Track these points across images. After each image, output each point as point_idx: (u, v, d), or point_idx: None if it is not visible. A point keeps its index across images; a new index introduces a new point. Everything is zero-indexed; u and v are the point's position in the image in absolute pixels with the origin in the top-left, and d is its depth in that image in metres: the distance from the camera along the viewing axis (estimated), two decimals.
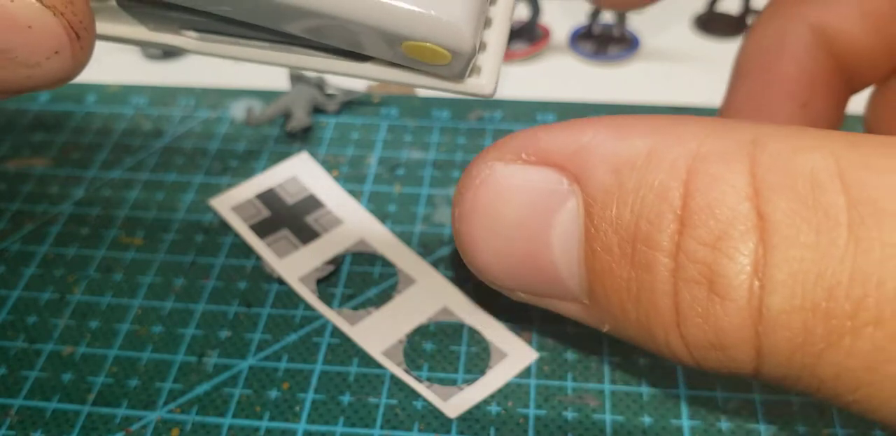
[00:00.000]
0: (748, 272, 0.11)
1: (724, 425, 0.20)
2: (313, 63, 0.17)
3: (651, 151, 0.12)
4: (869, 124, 0.23)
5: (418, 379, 0.21)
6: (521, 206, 0.14)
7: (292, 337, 0.23)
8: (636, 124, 0.13)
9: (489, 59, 0.17)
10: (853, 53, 0.21)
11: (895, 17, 0.21)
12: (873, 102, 0.23)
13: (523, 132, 0.14)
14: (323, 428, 0.21)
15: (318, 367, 0.22)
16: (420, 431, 0.20)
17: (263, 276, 0.24)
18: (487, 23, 0.16)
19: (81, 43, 0.16)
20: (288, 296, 0.24)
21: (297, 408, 0.21)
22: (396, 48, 0.16)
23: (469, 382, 0.21)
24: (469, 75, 0.16)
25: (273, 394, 0.21)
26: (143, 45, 0.17)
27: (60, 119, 0.31)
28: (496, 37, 0.17)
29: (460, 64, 0.16)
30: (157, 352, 0.23)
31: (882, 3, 0.21)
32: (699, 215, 0.11)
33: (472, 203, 0.14)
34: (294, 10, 0.15)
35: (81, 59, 0.17)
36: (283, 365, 0.22)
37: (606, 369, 0.22)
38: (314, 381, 0.22)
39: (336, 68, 0.17)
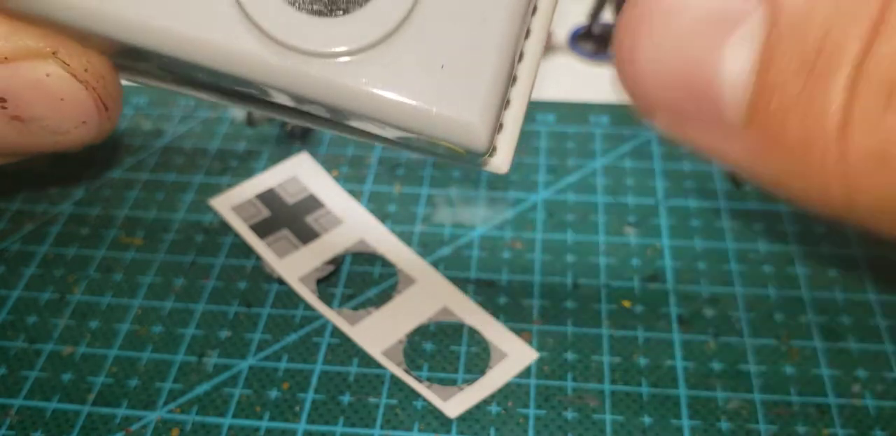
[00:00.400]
0: None
1: (724, 425, 0.20)
2: (327, 128, 0.17)
3: None
4: None
5: (418, 379, 0.21)
6: (703, 9, 0.13)
7: (292, 337, 0.23)
8: None
9: (506, 140, 0.17)
10: None
11: None
12: None
13: None
14: (323, 428, 0.21)
15: (318, 367, 0.22)
16: (420, 431, 0.20)
17: (263, 276, 0.24)
18: (506, 104, 0.16)
19: (109, 114, 0.17)
20: (288, 296, 0.24)
21: (297, 408, 0.21)
22: (415, 139, 0.16)
23: (469, 382, 0.21)
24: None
25: (273, 394, 0.21)
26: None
27: None
28: (514, 117, 0.17)
29: (476, 157, 0.16)
30: (157, 352, 0.23)
31: None
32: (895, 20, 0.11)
33: (645, 12, 0.14)
34: (314, 104, 0.15)
35: (107, 127, 0.17)
36: (283, 365, 0.22)
37: (606, 369, 0.22)
38: (314, 381, 0.22)
39: (354, 137, 0.17)
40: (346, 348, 0.22)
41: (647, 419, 0.21)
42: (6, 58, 0.15)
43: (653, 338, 0.22)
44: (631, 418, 0.21)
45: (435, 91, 0.15)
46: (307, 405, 0.21)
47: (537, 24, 0.17)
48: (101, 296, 0.24)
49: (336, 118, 0.16)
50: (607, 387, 0.21)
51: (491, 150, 0.16)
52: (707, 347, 0.22)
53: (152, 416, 0.21)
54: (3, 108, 0.16)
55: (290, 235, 0.25)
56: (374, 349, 0.22)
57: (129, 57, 0.16)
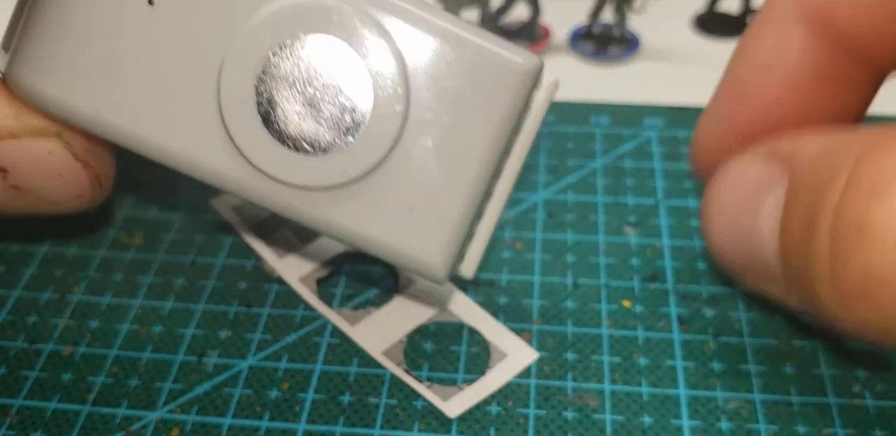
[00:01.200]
0: None
1: (724, 425, 0.20)
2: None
3: (839, 142, 0.14)
4: None
5: (418, 379, 0.21)
6: (745, 189, 0.16)
7: (292, 337, 0.23)
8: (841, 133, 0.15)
9: (474, 248, 0.18)
10: (862, 36, 0.20)
11: None
12: None
13: (788, 134, 0.17)
14: (323, 428, 0.21)
15: (318, 367, 0.22)
16: (420, 431, 0.20)
17: (263, 276, 0.24)
18: (477, 216, 0.17)
19: (102, 189, 0.18)
20: (288, 296, 0.24)
21: (297, 408, 0.21)
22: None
23: (469, 382, 0.21)
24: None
25: (273, 394, 0.21)
26: None
27: None
28: (484, 229, 0.18)
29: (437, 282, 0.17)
30: (157, 352, 0.23)
31: None
32: (865, 171, 0.13)
33: (712, 192, 0.17)
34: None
35: (98, 200, 0.19)
36: (283, 365, 0.22)
37: (606, 369, 0.22)
38: (314, 381, 0.22)
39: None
40: (346, 348, 0.22)
41: (647, 419, 0.21)
42: (13, 134, 0.16)
43: (653, 338, 0.22)
44: (631, 418, 0.21)
45: (401, 231, 0.16)
46: (307, 405, 0.21)
47: (508, 167, 0.18)
48: (101, 296, 0.24)
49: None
50: (607, 387, 0.21)
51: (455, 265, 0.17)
52: (707, 347, 0.22)
53: (152, 416, 0.21)
54: (4, 177, 0.17)
55: (290, 235, 0.25)
56: (374, 349, 0.22)
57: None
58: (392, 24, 0.15)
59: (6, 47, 0.17)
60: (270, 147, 0.15)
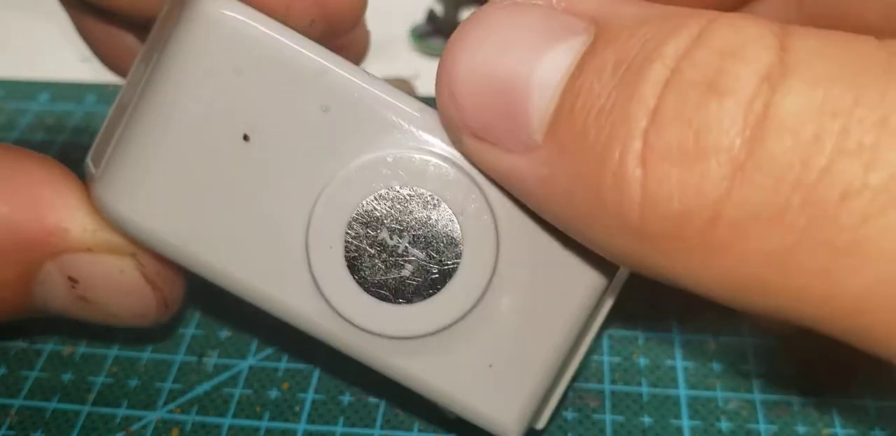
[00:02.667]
0: (760, 75, 0.10)
1: (724, 425, 0.20)
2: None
3: (681, 11, 0.12)
4: None
5: None
6: (529, 26, 0.12)
7: (294, 336, 0.23)
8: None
9: (550, 402, 0.18)
10: None
11: None
12: None
13: None
14: (323, 428, 0.21)
15: (318, 367, 0.22)
16: (420, 431, 0.20)
17: None
18: (558, 376, 0.17)
19: (168, 311, 0.18)
20: None
21: (297, 408, 0.21)
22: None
23: None
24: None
25: (273, 394, 0.21)
26: None
27: (60, 119, 0.31)
28: (562, 383, 0.18)
29: None
30: (157, 352, 0.23)
31: None
32: (721, 32, 0.11)
33: (477, 19, 0.13)
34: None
35: (162, 320, 0.18)
36: (283, 365, 0.22)
37: (606, 369, 0.22)
38: (314, 381, 0.22)
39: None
40: None
41: (647, 419, 0.21)
42: (89, 249, 0.16)
43: (653, 338, 0.22)
44: (631, 418, 0.21)
45: (478, 388, 0.16)
46: (307, 405, 0.21)
47: (592, 326, 0.18)
48: None
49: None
50: (607, 387, 0.21)
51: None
52: (707, 347, 0.22)
53: (152, 416, 0.21)
54: (74, 287, 0.17)
55: None
56: None
57: None
58: (486, 181, 0.15)
59: (95, 162, 0.17)
60: (354, 294, 0.15)
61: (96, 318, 0.18)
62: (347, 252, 0.15)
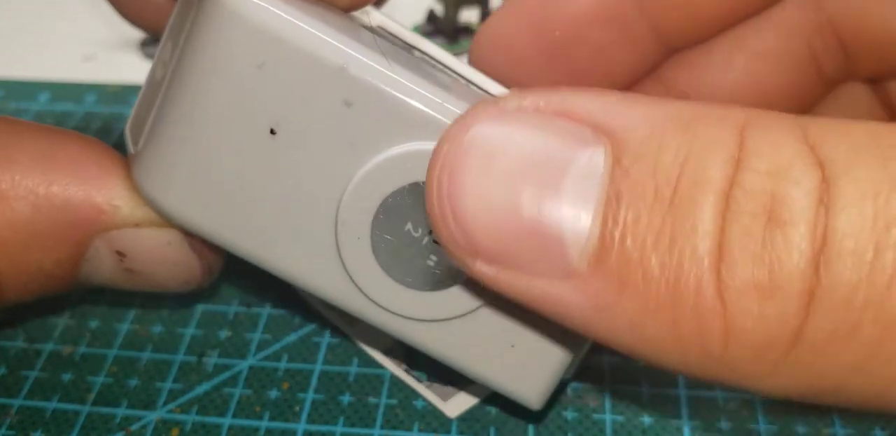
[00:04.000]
0: (815, 197, 0.10)
1: (724, 425, 0.20)
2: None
3: (696, 113, 0.11)
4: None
5: (418, 379, 0.21)
6: (532, 146, 0.11)
7: (292, 337, 0.23)
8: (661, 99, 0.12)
9: (572, 365, 0.18)
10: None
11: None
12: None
13: (540, 89, 0.12)
14: (323, 428, 0.21)
15: (318, 367, 0.22)
16: (420, 431, 0.20)
17: (263, 276, 0.24)
18: (579, 353, 0.18)
19: (210, 277, 0.19)
20: (288, 296, 0.24)
21: (297, 408, 0.21)
22: None
23: (469, 382, 0.21)
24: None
25: (273, 394, 0.21)
26: None
27: (60, 119, 0.31)
28: (582, 353, 0.18)
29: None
30: (157, 352, 0.23)
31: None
32: (758, 152, 0.11)
33: (471, 139, 0.12)
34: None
35: (204, 285, 0.19)
36: (283, 365, 0.22)
37: (607, 370, 0.22)
38: (314, 381, 0.22)
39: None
40: (346, 348, 0.22)
41: (647, 419, 0.21)
42: (137, 224, 0.17)
43: None
44: (631, 418, 0.21)
45: (502, 365, 0.17)
46: (307, 405, 0.21)
47: None
48: (101, 296, 0.24)
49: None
50: (608, 387, 0.21)
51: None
52: None
53: (152, 416, 0.21)
54: (121, 260, 0.17)
55: None
56: (374, 349, 0.22)
57: None
58: None
59: (133, 135, 0.17)
60: (382, 281, 0.16)
61: (141, 287, 0.18)
62: (374, 243, 0.16)
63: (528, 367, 0.17)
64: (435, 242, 0.16)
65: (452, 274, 0.16)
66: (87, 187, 0.17)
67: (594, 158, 0.11)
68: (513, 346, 0.17)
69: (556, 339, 0.17)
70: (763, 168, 0.11)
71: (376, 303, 0.16)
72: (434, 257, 0.16)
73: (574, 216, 0.11)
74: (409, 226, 0.16)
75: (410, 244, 0.16)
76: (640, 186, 0.11)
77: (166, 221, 0.17)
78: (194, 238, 0.17)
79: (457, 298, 0.16)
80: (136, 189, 0.17)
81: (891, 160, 0.10)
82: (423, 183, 0.15)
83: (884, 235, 0.10)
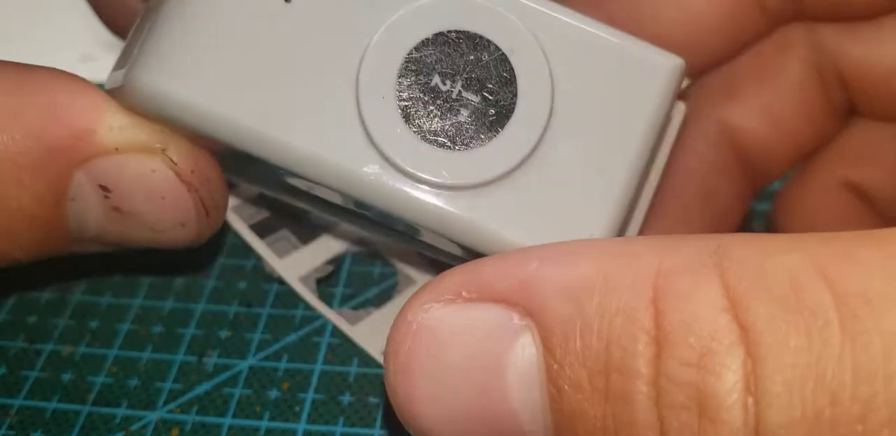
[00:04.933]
0: (740, 389, 0.10)
1: None
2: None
3: (608, 274, 0.11)
4: (775, 222, 0.23)
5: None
6: (467, 349, 0.12)
7: (292, 337, 0.23)
8: (583, 249, 0.12)
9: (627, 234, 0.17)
10: (756, 149, 0.21)
11: (796, 115, 0.21)
12: (779, 199, 0.23)
13: (459, 268, 0.13)
14: (323, 428, 0.21)
15: (318, 367, 0.22)
16: None
17: (263, 276, 0.24)
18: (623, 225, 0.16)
19: (209, 220, 0.17)
20: (288, 296, 0.24)
21: (297, 408, 0.21)
22: None
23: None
24: None
25: (273, 394, 0.21)
26: None
27: None
28: (635, 219, 0.18)
29: None
30: (157, 352, 0.23)
31: (784, 103, 0.21)
32: (676, 334, 0.10)
33: (410, 352, 0.12)
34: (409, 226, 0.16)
35: (206, 233, 0.17)
36: (283, 365, 0.22)
37: None
38: (314, 381, 0.22)
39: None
40: (346, 348, 0.22)
41: None
42: (117, 149, 0.16)
43: None
44: None
45: (543, 235, 0.15)
46: (307, 405, 0.21)
47: (653, 172, 0.17)
48: (101, 296, 0.24)
49: (410, 233, 0.17)
50: None
51: None
52: None
53: (152, 416, 0.21)
54: (107, 197, 0.16)
55: (289, 235, 0.25)
56: (374, 349, 0.22)
57: (240, 161, 0.16)
58: (535, 22, 0.15)
59: (119, 66, 0.16)
60: (411, 144, 0.15)
61: (134, 235, 0.17)
62: (400, 102, 0.15)
63: (573, 236, 0.15)
64: (464, 89, 0.15)
65: (488, 125, 0.15)
66: (61, 114, 0.15)
67: (527, 350, 0.11)
68: (556, 210, 0.15)
69: (610, 189, 0.15)
70: (685, 357, 0.10)
71: (405, 171, 0.15)
72: (466, 111, 0.15)
73: (529, 416, 0.12)
74: (436, 79, 0.15)
75: (438, 98, 0.15)
76: (576, 377, 0.11)
77: (149, 144, 0.16)
78: (182, 166, 0.16)
79: (494, 155, 0.15)
80: (116, 111, 0.16)
81: (814, 330, 0.10)
82: (449, 32, 0.15)
83: (815, 425, 0.10)
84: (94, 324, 0.23)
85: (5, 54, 0.33)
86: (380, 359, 0.22)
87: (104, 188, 0.16)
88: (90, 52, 0.34)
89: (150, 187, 0.16)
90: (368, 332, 0.23)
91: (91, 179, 0.16)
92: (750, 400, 0.10)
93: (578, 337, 0.11)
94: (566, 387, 0.11)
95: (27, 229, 0.16)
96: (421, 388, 0.12)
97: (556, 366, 0.11)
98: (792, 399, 0.10)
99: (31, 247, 0.17)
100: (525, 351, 0.12)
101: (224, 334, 0.23)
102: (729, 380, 0.10)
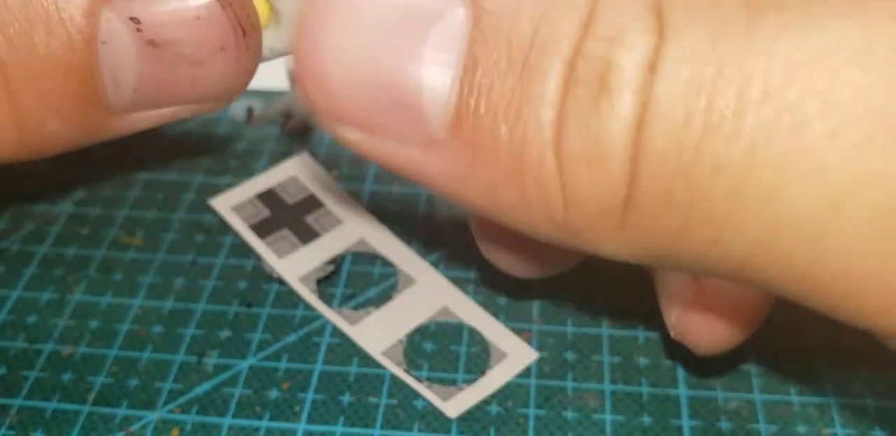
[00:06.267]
0: (643, 63, 0.10)
1: (724, 425, 0.20)
2: None
3: None
4: None
5: (418, 379, 0.21)
6: (395, 8, 0.11)
7: (292, 337, 0.23)
8: None
9: None
10: None
11: None
12: None
13: None
14: (323, 428, 0.21)
15: (318, 367, 0.22)
16: (420, 431, 0.20)
17: (263, 276, 0.24)
18: None
19: (248, 41, 0.16)
20: (288, 296, 0.24)
21: (297, 408, 0.21)
22: None
23: (469, 382, 0.21)
24: None
25: (273, 394, 0.21)
26: None
27: None
28: None
29: None
30: (157, 352, 0.23)
31: None
32: (606, 15, 0.11)
33: (331, 3, 0.12)
34: None
35: (247, 62, 0.16)
36: (283, 365, 0.22)
37: (606, 369, 0.22)
38: (314, 381, 0.22)
39: None
40: (346, 348, 0.22)
41: (647, 419, 0.21)
42: None
43: (653, 338, 0.22)
44: (631, 418, 0.21)
45: None
46: (307, 405, 0.21)
47: None
48: (101, 296, 0.24)
49: None
50: (607, 387, 0.21)
51: None
52: None
53: (152, 416, 0.21)
54: (139, 30, 0.15)
55: (290, 235, 0.25)
56: (374, 349, 0.22)
57: None
58: None
59: None
60: None
61: (176, 78, 0.16)
62: None
63: None
64: None
65: None
66: None
67: (457, 19, 0.11)
68: None
69: None
70: (604, 34, 0.11)
71: None
72: None
73: (433, 82, 0.11)
74: None
75: None
76: (496, 52, 0.11)
77: None
78: None
79: None
80: None
81: (718, 30, 0.10)
82: None
83: (694, 100, 0.10)
84: (94, 324, 0.23)
85: None
86: (380, 359, 0.22)
87: (135, 20, 0.15)
88: None
89: (182, 8, 0.15)
90: (368, 332, 0.23)
91: (119, 13, 0.15)
92: (648, 74, 0.10)
93: (512, 16, 0.11)
94: (483, 60, 0.11)
95: (60, 82, 0.15)
96: (334, 40, 0.12)
97: (481, 39, 0.11)
98: (681, 72, 0.10)
99: (66, 110, 0.15)
100: (453, 22, 0.11)
101: (224, 334, 0.23)
102: (636, 53, 0.10)
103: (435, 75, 0.11)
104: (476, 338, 0.23)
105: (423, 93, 0.11)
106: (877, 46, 0.10)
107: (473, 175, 0.12)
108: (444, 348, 0.22)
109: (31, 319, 0.24)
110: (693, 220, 0.11)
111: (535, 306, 0.23)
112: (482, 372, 0.22)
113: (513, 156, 0.11)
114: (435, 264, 0.24)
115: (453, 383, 0.21)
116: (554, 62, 0.11)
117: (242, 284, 0.24)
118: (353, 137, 0.12)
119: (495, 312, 0.23)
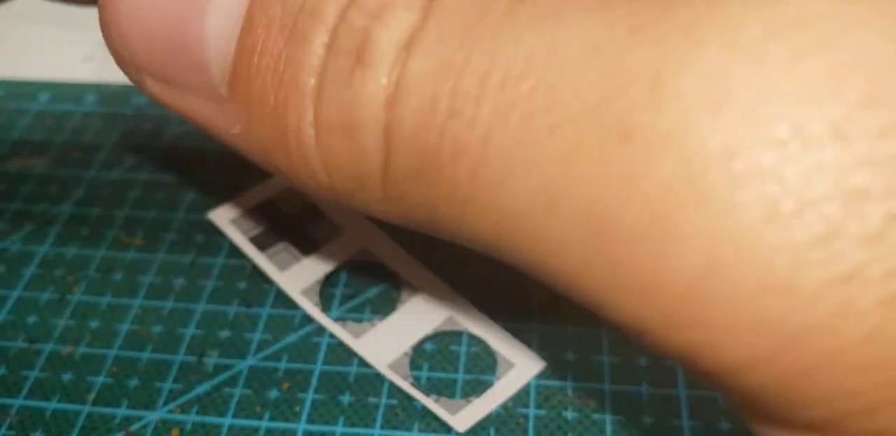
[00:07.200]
0: (400, 41, 0.10)
1: (724, 425, 0.20)
2: None
3: None
4: None
5: (425, 393, 0.21)
6: None
7: (292, 337, 0.23)
8: None
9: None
10: None
11: None
12: None
13: None
14: (323, 428, 0.21)
15: (318, 367, 0.22)
16: (420, 431, 0.20)
17: (263, 276, 0.24)
18: None
19: None
20: (288, 296, 0.24)
21: (297, 408, 0.21)
22: None
23: (477, 394, 0.21)
24: None
25: (273, 394, 0.21)
26: None
27: (60, 119, 0.31)
28: None
29: None
30: (157, 352, 0.23)
31: None
32: None
33: None
34: None
35: None
36: (283, 365, 0.22)
37: (606, 369, 0.22)
38: (314, 381, 0.22)
39: None
40: (346, 348, 0.22)
41: (647, 419, 0.21)
42: None
43: None
44: (631, 418, 0.21)
45: None
46: (307, 405, 0.21)
47: None
48: (101, 296, 0.24)
49: None
50: (607, 387, 0.21)
51: None
52: None
53: (152, 416, 0.21)
54: None
55: (290, 247, 0.25)
56: (380, 363, 0.22)
57: None
58: None
59: None
60: None
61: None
62: None
63: None
64: None
65: None
66: None
67: None
68: None
69: None
70: (368, 6, 0.11)
71: None
72: None
73: (218, 36, 0.12)
74: None
75: None
76: (271, 13, 0.11)
77: None
78: None
79: None
80: None
81: (478, 12, 0.10)
82: None
83: (442, 83, 0.10)
84: (94, 324, 0.23)
85: (7, 53, 0.33)
86: (385, 372, 0.22)
87: None
88: (91, 52, 0.34)
89: None
90: (372, 345, 0.22)
91: None
92: (403, 54, 0.10)
93: None
94: (258, 18, 0.11)
95: None
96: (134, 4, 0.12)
97: (258, 1, 0.11)
98: (433, 52, 0.10)
99: None
100: None
101: (224, 334, 0.23)
102: (394, 30, 0.10)
103: (219, 30, 0.12)
104: (483, 347, 0.23)
105: (207, 46, 0.12)
106: (610, 41, 0.09)
107: (248, 134, 0.12)
108: (443, 348, 0.22)
109: (31, 319, 0.24)
110: (442, 198, 0.11)
111: (535, 306, 0.23)
112: (490, 383, 0.22)
113: (277, 119, 0.11)
114: (438, 273, 0.24)
115: (454, 383, 0.21)
116: (319, 28, 0.11)
117: (242, 284, 0.24)
118: (153, 88, 0.13)
119: (495, 312, 0.23)
